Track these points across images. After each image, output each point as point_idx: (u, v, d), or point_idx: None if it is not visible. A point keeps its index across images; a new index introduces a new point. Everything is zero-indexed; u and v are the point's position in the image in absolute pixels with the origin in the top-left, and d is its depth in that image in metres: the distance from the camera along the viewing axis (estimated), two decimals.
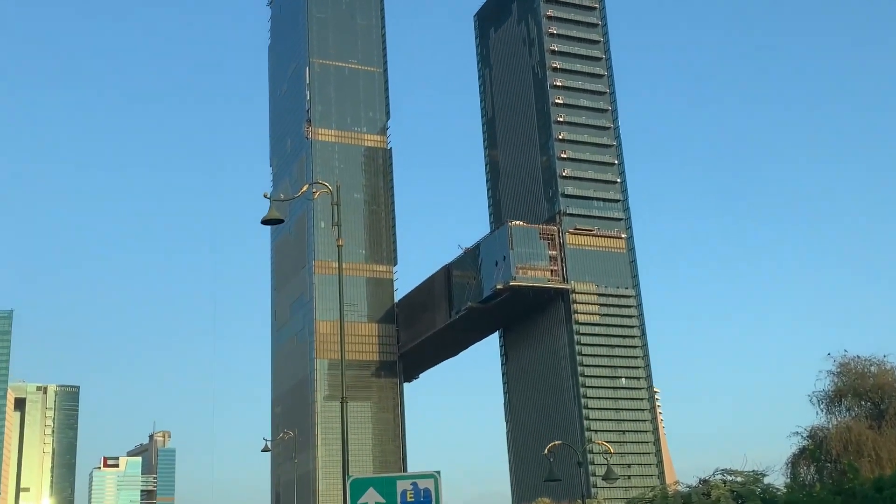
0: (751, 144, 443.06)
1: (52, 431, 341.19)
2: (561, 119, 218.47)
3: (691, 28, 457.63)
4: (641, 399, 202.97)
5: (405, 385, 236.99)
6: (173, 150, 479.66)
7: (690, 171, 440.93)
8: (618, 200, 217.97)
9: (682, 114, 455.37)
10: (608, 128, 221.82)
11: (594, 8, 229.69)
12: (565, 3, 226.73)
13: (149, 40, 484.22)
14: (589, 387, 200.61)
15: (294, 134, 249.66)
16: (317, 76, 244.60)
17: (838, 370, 54.25)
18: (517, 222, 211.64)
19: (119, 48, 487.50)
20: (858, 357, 54.62)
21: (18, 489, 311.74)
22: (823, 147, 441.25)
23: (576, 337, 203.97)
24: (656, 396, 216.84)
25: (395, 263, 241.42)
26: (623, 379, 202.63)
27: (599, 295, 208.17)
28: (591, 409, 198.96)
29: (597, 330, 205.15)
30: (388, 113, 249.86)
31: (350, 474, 22.09)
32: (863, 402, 52.18)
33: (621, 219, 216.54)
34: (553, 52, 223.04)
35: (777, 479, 48.62)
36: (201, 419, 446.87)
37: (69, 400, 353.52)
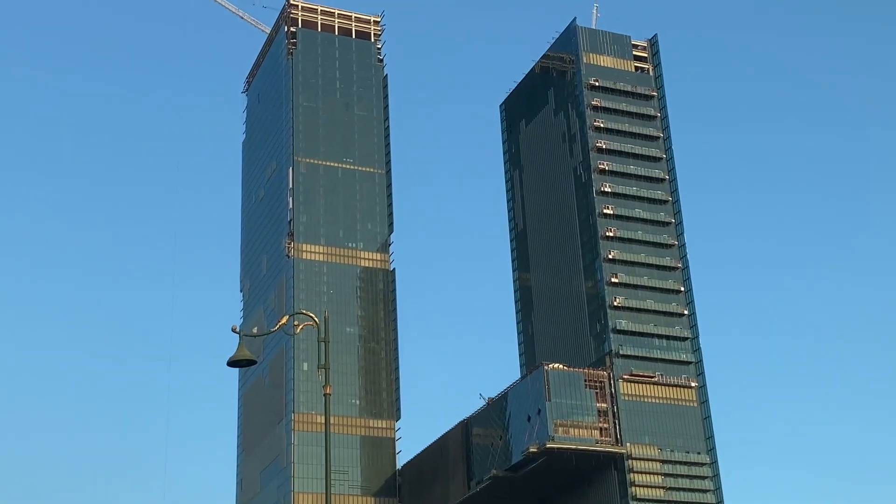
0: (853, 258, 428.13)
1: None
2: (611, 234, 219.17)
3: (772, 120, 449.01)
4: None
5: None
6: (110, 268, 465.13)
7: (778, 298, 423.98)
8: (686, 338, 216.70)
9: (761, 221, 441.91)
10: (671, 245, 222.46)
11: (651, 96, 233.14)
12: (615, 91, 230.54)
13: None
14: None
15: (272, 251, 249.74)
16: (302, 179, 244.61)
17: None
18: (556, 365, 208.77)
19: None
20: None
21: None
22: None
23: None
24: None
25: (398, 418, 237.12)
26: None
27: (664, 462, 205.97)
28: None
29: None
30: (391, 225, 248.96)
31: None
32: None
33: (690, 362, 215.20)
34: (600, 149, 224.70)
35: None
36: None
37: None
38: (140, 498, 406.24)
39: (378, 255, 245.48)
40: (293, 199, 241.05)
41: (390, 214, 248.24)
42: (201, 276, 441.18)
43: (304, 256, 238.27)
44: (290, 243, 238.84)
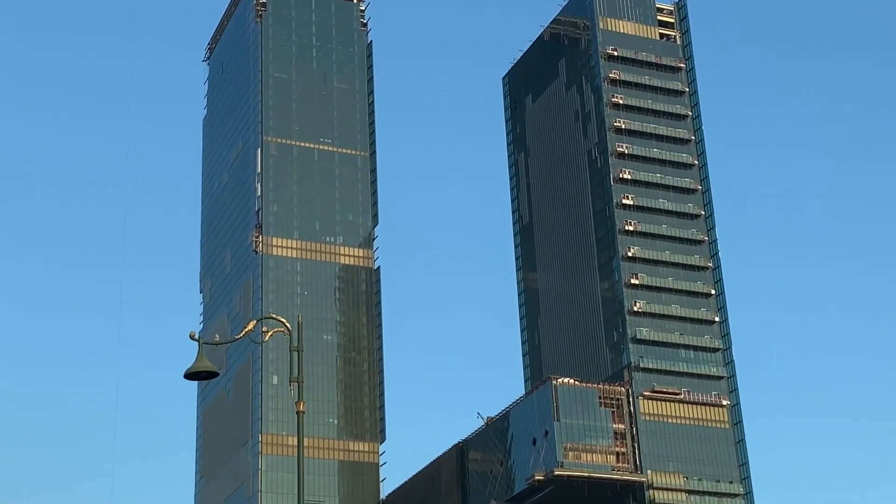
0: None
1: None
2: (630, 227, 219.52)
3: (817, 94, 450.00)
4: None
5: None
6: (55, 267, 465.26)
7: (824, 305, 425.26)
8: (716, 349, 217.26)
9: (805, 214, 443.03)
10: (700, 241, 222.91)
11: (678, 68, 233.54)
12: (636, 62, 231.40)
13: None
14: None
15: (237, 245, 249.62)
16: (272, 162, 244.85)
17: None
18: (566, 380, 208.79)
19: None
20: None
21: None
22: None
23: None
24: None
25: (383, 440, 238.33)
26: None
27: (690, 492, 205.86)
28: None
29: None
30: (375, 217, 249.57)
31: None
32: None
33: (722, 377, 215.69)
34: (619, 130, 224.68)
35: None
36: None
37: None
38: None
39: (360, 250, 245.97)
40: (262, 186, 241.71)
41: (375, 204, 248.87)
42: (154, 273, 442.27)
43: (274, 252, 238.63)
44: (258, 237, 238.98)
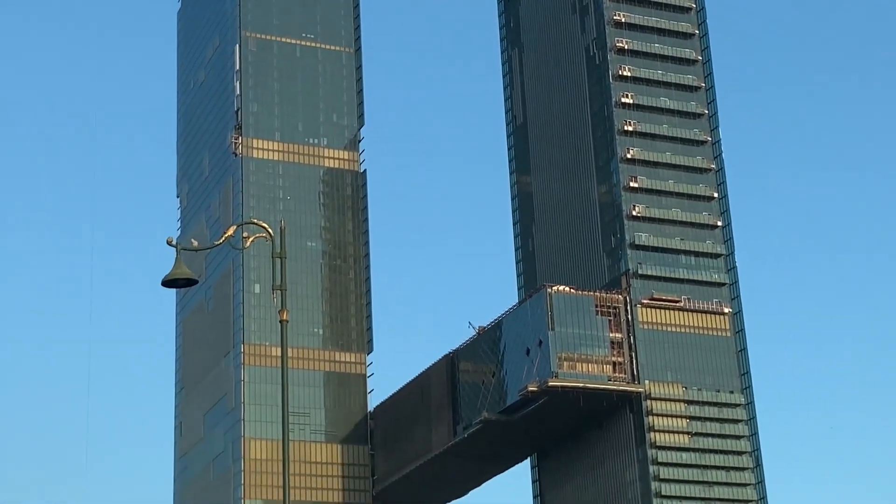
0: None
1: None
2: (629, 127, 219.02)
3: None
4: None
5: None
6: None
7: (831, 209, 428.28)
8: (719, 255, 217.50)
9: (814, 116, 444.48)
10: (703, 141, 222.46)
11: None
12: None
13: None
14: None
15: (215, 148, 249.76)
16: (252, 59, 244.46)
17: None
18: (561, 287, 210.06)
19: None
20: None
21: None
22: None
23: (651, 468, 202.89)
24: None
25: (370, 351, 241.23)
26: None
27: (689, 402, 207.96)
28: None
29: (685, 457, 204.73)
30: (361, 117, 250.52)
31: None
32: None
33: (724, 284, 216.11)
34: (618, 24, 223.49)
35: None
36: None
37: None
38: (58, 445, 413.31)
39: (345, 153, 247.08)
40: (241, 85, 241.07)
41: (360, 104, 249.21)
42: (128, 177, 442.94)
43: (254, 155, 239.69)
44: (237, 138, 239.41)
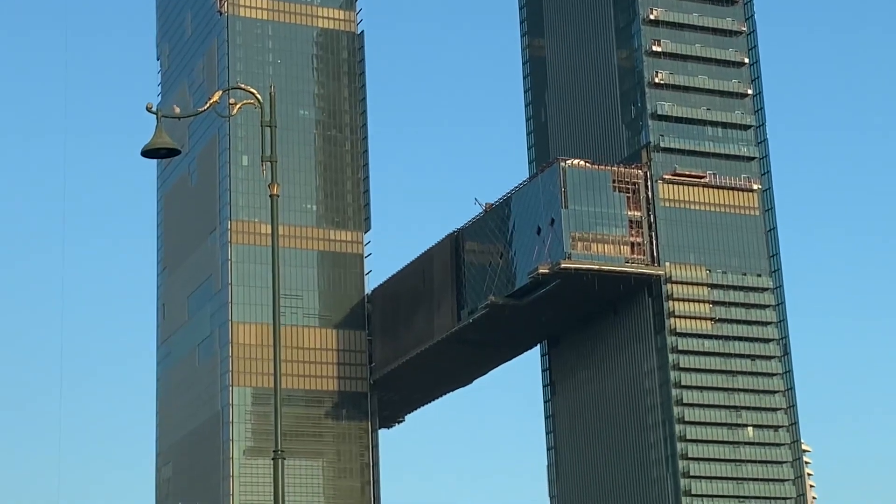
0: None
1: None
2: None
3: None
4: (781, 463, 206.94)
5: (381, 433, 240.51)
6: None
7: (870, 75, 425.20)
8: (748, 126, 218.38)
9: None
10: (734, 2, 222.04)
11: None
12: None
13: None
14: (691, 440, 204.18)
15: (198, 5, 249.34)
16: None
17: None
18: (575, 161, 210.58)
19: None
20: None
21: None
22: None
23: (671, 356, 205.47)
24: (805, 458, 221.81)
25: (368, 228, 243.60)
26: (750, 429, 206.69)
27: (713, 286, 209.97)
28: (694, 477, 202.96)
29: (707, 345, 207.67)
30: None
31: None
32: None
33: (753, 157, 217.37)
34: None
35: None
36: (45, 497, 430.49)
37: None
38: (31, 329, 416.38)
39: (341, 12, 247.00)
40: None
41: None
42: (103, 39, 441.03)
43: (241, 13, 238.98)
44: None
